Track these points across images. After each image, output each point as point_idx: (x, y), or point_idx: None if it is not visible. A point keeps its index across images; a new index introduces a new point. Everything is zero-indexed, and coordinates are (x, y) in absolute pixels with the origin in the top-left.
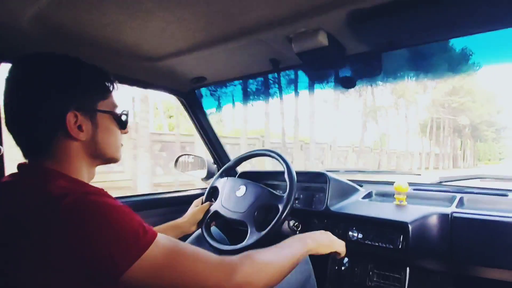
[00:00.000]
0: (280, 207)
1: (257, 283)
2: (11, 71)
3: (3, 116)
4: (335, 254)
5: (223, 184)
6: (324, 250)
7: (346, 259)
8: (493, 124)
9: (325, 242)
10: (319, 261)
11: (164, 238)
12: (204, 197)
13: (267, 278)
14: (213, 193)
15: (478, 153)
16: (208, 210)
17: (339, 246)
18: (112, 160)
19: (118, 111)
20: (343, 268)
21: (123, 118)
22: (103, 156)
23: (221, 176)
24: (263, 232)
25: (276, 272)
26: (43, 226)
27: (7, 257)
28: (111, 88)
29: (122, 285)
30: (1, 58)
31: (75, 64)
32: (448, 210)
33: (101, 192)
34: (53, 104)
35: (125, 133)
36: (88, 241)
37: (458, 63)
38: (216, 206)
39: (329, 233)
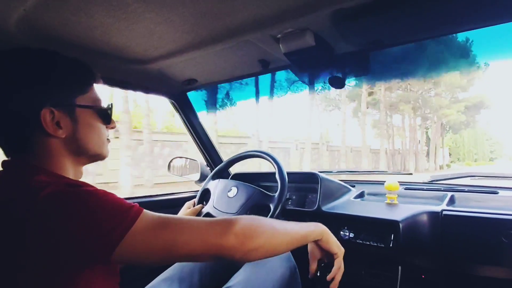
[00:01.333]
0: (272, 206)
1: (255, 237)
2: None
3: None
4: (325, 261)
5: (215, 186)
6: (331, 245)
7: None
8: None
9: (333, 239)
10: (304, 260)
11: (150, 212)
12: (196, 199)
13: (265, 237)
14: (205, 195)
15: (458, 150)
16: (200, 212)
17: (341, 249)
18: (98, 156)
19: (100, 105)
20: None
21: (106, 112)
22: (86, 153)
23: (213, 178)
24: None
25: (274, 235)
26: (24, 219)
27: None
28: (90, 82)
29: (115, 262)
30: None
31: (50, 59)
32: (438, 208)
33: (82, 183)
34: (24, 101)
35: (112, 128)
36: (73, 228)
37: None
38: (208, 208)
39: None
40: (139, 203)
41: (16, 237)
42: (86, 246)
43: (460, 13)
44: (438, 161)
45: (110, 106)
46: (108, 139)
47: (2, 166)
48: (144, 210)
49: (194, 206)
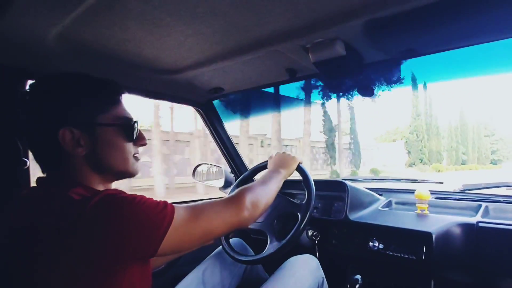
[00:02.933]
0: (300, 215)
1: (259, 205)
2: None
3: None
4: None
5: None
6: (292, 170)
7: (359, 278)
8: None
9: (290, 163)
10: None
11: (180, 206)
12: None
13: (264, 202)
14: None
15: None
16: None
17: (296, 161)
18: (124, 174)
19: (122, 122)
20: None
21: (129, 129)
22: (109, 170)
23: (238, 186)
24: (284, 241)
25: (269, 199)
26: (74, 228)
27: (34, 263)
28: (113, 101)
29: (162, 254)
30: (27, 75)
31: (70, 81)
32: (473, 219)
33: (119, 191)
34: (45, 122)
35: (141, 145)
36: (122, 231)
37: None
38: None
39: (285, 153)
40: None
41: (64, 245)
42: (135, 246)
43: (494, 23)
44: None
45: (133, 123)
46: (135, 156)
47: (37, 182)
48: (175, 205)
49: None
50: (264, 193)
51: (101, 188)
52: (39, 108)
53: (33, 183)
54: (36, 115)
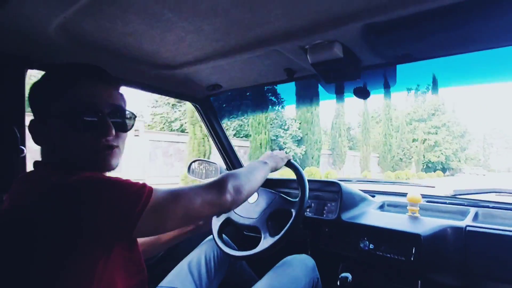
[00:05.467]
0: (293, 211)
1: (242, 190)
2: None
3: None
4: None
5: None
6: (280, 164)
7: (350, 277)
8: None
9: (278, 157)
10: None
11: (159, 188)
12: None
13: (248, 189)
14: None
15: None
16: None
17: (285, 157)
18: (92, 167)
19: (76, 110)
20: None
21: (81, 118)
22: (73, 164)
23: None
24: (277, 237)
25: (252, 186)
26: (47, 211)
27: (17, 247)
28: (62, 87)
29: (140, 235)
30: (28, 65)
31: (47, 73)
32: (462, 223)
33: (97, 174)
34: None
35: (104, 136)
36: (98, 210)
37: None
38: (228, 213)
39: (275, 150)
40: None
41: (43, 227)
42: (111, 224)
43: (492, 30)
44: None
45: (84, 111)
46: (105, 148)
47: (33, 166)
48: (154, 187)
49: None
50: (247, 180)
51: None
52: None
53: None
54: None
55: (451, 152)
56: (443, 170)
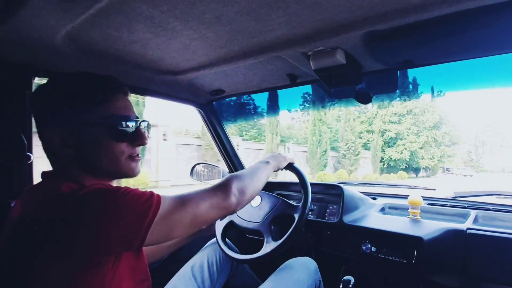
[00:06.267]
0: (296, 216)
1: (246, 191)
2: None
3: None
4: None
5: None
6: (282, 165)
7: (352, 280)
8: None
9: (280, 158)
10: (330, 275)
11: (166, 195)
12: None
13: (251, 189)
14: None
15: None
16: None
17: (287, 159)
18: (116, 174)
19: (111, 121)
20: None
21: (117, 128)
22: (100, 171)
23: None
24: (280, 241)
25: (256, 187)
26: (57, 220)
27: (25, 254)
28: (101, 98)
29: (151, 243)
30: (34, 73)
31: (62, 82)
32: (463, 226)
33: (107, 185)
34: (36, 121)
35: (139, 144)
36: (107, 223)
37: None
38: (231, 216)
39: (276, 152)
40: None
41: (52, 236)
42: (122, 236)
43: (491, 37)
44: None
45: (125, 122)
46: (132, 156)
47: (41, 176)
48: (161, 194)
49: None
50: (251, 181)
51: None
52: (34, 109)
53: (36, 178)
54: (33, 115)
55: (418, 147)
56: (416, 170)
